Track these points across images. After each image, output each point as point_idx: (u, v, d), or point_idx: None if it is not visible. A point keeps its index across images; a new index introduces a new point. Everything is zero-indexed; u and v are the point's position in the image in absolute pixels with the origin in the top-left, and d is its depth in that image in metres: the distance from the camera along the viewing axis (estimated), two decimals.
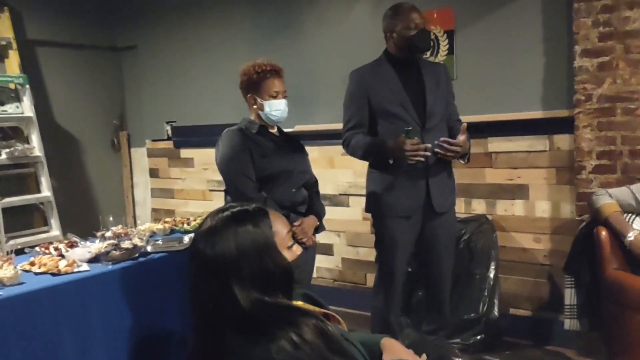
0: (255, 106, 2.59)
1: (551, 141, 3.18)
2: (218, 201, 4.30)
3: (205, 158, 4.61)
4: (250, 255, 1.23)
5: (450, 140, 2.56)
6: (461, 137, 2.56)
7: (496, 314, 3.15)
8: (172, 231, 2.83)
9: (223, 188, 2.71)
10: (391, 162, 2.58)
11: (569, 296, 2.77)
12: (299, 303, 1.39)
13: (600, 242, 2.56)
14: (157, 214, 4.99)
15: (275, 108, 2.56)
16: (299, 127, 4.00)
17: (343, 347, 1.23)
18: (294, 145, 2.72)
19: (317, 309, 1.42)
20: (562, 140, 3.14)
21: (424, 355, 1.41)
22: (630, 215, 2.60)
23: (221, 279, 1.21)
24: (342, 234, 4.01)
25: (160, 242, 2.56)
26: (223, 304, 1.20)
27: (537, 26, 3.17)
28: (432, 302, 2.89)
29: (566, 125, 3.07)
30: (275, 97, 2.56)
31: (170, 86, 4.91)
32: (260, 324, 1.16)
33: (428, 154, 2.51)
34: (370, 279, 3.62)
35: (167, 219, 2.95)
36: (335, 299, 3.82)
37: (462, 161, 2.68)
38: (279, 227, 1.31)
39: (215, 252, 1.23)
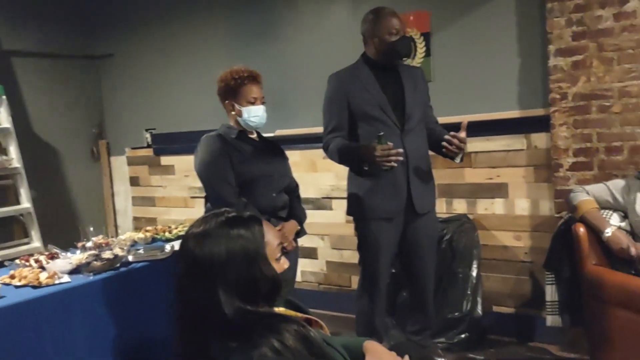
0: (233, 112, 2.59)
1: (528, 140, 3.22)
2: (200, 208, 4.26)
3: (186, 165, 4.59)
4: (239, 261, 1.23)
5: (459, 136, 2.54)
6: (462, 134, 2.55)
7: (479, 312, 3.18)
8: (154, 240, 2.82)
9: (204, 195, 2.70)
10: (366, 168, 2.59)
11: (550, 292, 2.80)
12: (281, 309, 1.39)
13: (579, 239, 2.59)
14: (139, 223, 4.96)
15: (254, 114, 2.56)
16: (279, 132, 4.01)
17: (325, 352, 1.23)
18: (273, 149, 2.72)
19: (299, 314, 1.42)
20: (539, 139, 3.18)
21: (407, 357, 1.42)
22: (607, 211, 2.64)
23: (208, 282, 1.21)
24: (326, 237, 4.01)
25: (141, 251, 2.55)
26: (207, 308, 1.20)
27: (511, 27, 3.22)
28: (416, 303, 2.91)
29: (543, 124, 3.11)
30: (253, 103, 2.56)
31: (149, 94, 4.88)
32: (242, 331, 1.16)
33: (400, 158, 2.48)
34: (355, 282, 3.62)
35: (148, 228, 2.93)
36: (321, 302, 3.83)
37: (457, 160, 2.65)
38: (271, 237, 1.32)
39: (205, 253, 1.24)
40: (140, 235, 2.82)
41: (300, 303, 1.51)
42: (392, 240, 2.71)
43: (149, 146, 4.92)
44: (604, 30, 2.89)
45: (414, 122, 2.68)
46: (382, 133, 2.46)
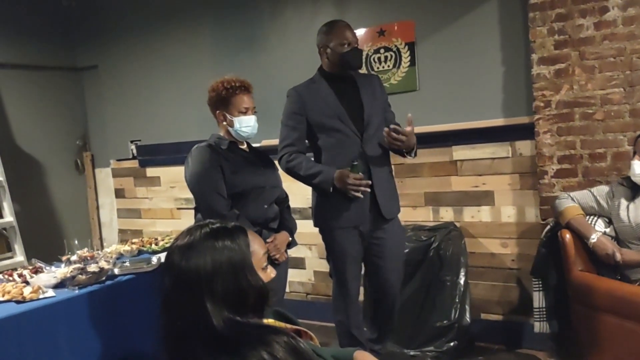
0: (224, 122, 2.57)
1: (513, 147, 3.25)
2: (187, 219, 4.25)
3: (172, 176, 4.56)
4: (226, 272, 1.22)
5: (399, 128, 2.57)
6: (408, 129, 2.57)
7: (468, 319, 3.18)
8: (140, 252, 2.80)
9: (191, 206, 2.68)
10: (331, 190, 2.60)
11: (538, 299, 2.82)
12: (270, 321, 1.38)
13: (565, 245, 2.61)
14: (124, 235, 4.91)
15: (245, 124, 2.55)
16: (266, 142, 4.00)
17: None
18: (264, 160, 2.71)
19: (288, 325, 1.41)
20: (524, 146, 3.21)
21: None
22: (592, 217, 2.67)
23: (194, 294, 1.20)
24: (314, 247, 4.01)
25: (127, 263, 2.52)
26: (195, 321, 1.18)
27: (495, 36, 3.25)
28: (381, 313, 2.87)
29: (527, 132, 3.14)
30: (244, 113, 2.55)
31: (133, 105, 4.86)
32: (231, 344, 1.15)
33: (368, 190, 2.56)
34: None
35: (134, 240, 2.91)
36: (309, 312, 3.82)
37: (409, 156, 2.68)
38: (257, 247, 1.31)
39: (190, 265, 1.22)
40: (126, 247, 2.79)
41: (289, 314, 1.50)
42: (358, 248, 2.71)
43: (134, 158, 4.89)
44: (585, 38, 2.93)
45: (373, 129, 2.70)
46: (356, 162, 2.55)
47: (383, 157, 2.74)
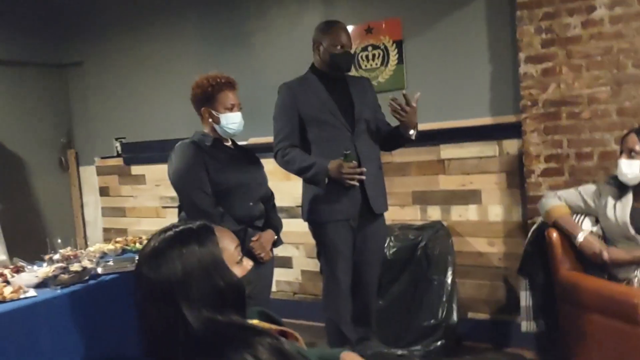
0: (210, 120, 2.53)
1: (500, 146, 3.25)
2: (172, 218, 4.20)
3: (157, 174, 4.52)
4: (198, 275, 1.18)
5: (406, 97, 2.60)
6: (414, 104, 2.60)
7: (455, 319, 3.18)
8: (124, 251, 2.76)
9: (176, 204, 2.64)
10: (326, 181, 2.62)
11: (525, 298, 2.82)
12: (255, 321, 1.35)
13: (552, 244, 2.61)
14: (109, 234, 4.86)
15: (232, 121, 2.52)
16: (253, 140, 3.97)
17: None
18: (249, 157, 2.68)
19: (273, 326, 1.39)
20: (511, 145, 3.21)
21: None
22: (579, 216, 2.67)
23: (169, 303, 1.16)
24: (301, 246, 3.98)
25: (111, 263, 2.48)
26: (173, 329, 1.15)
27: (482, 34, 3.25)
28: (359, 312, 2.86)
29: (514, 131, 3.14)
30: (230, 110, 2.52)
31: (118, 102, 4.81)
32: (213, 346, 1.12)
33: (363, 177, 2.58)
34: None
35: (118, 239, 2.87)
36: (297, 312, 3.79)
37: (411, 136, 2.70)
38: (227, 243, 1.26)
39: (160, 275, 1.18)
40: (110, 246, 2.75)
41: (274, 315, 1.47)
42: (348, 243, 2.72)
43: (118, 155, 4.83)
44: (573, 37, 2.93)
45: (363, 125, 2.73)
46: (348, 151, 2.57)
47: (373, 152, 2.77)
